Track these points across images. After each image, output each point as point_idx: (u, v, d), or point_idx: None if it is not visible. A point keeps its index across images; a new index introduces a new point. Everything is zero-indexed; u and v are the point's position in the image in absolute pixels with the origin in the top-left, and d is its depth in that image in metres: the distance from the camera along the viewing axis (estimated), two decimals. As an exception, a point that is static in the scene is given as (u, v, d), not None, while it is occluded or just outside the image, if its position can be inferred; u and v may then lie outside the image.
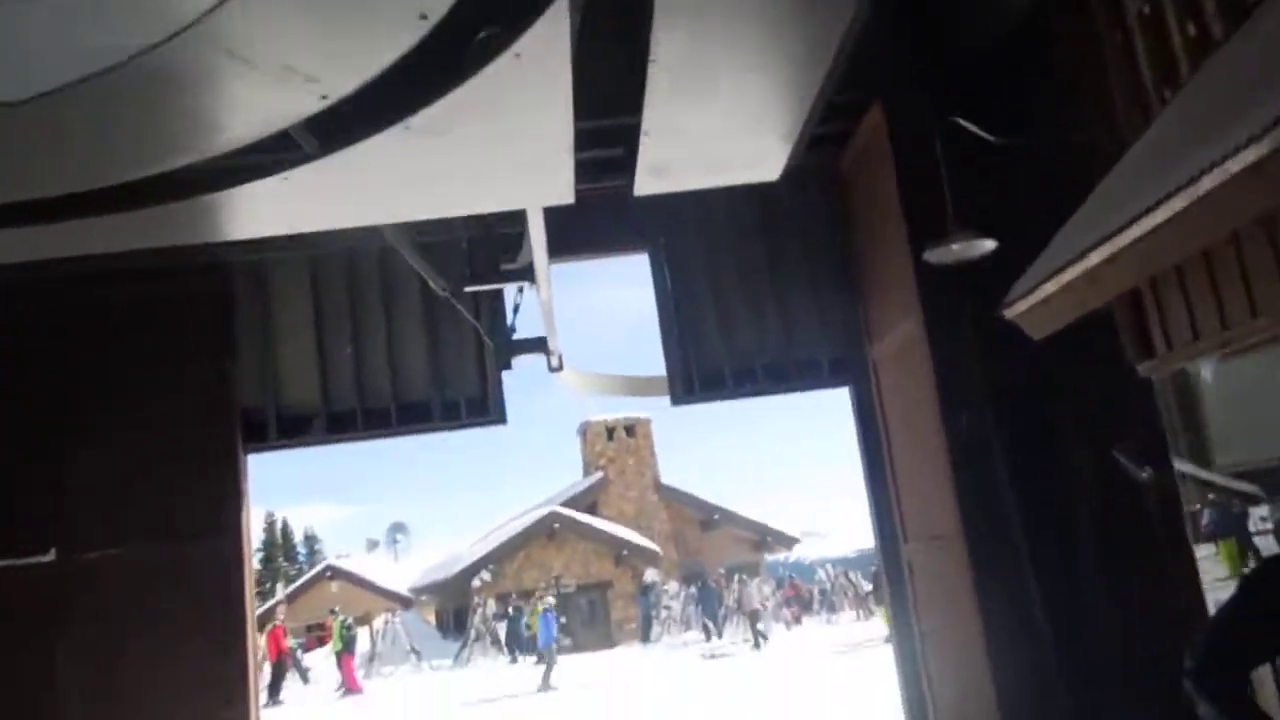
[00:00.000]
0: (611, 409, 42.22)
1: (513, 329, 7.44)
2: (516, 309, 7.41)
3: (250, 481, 7.22)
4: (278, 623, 26.39)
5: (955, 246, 5.75)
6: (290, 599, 44.42)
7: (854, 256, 7.70)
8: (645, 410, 42.81)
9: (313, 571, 58.13)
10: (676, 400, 7.72)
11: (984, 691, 6.03)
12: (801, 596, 36.07)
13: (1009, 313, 4.64)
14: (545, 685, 19.47)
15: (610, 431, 41.78)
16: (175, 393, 7.02)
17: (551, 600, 24.71)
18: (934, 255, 5.88)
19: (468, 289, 6.29)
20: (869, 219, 7.33)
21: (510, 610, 32.35)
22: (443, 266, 6.51)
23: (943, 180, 5.97)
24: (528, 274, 6.07)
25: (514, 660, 30.09)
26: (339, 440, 7.46)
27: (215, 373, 7.09)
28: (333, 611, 29.70)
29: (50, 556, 6.70)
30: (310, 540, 79.59)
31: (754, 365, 7.74)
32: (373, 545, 60.79)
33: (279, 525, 77.85)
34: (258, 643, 8.17)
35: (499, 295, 7.53)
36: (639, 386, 9.26)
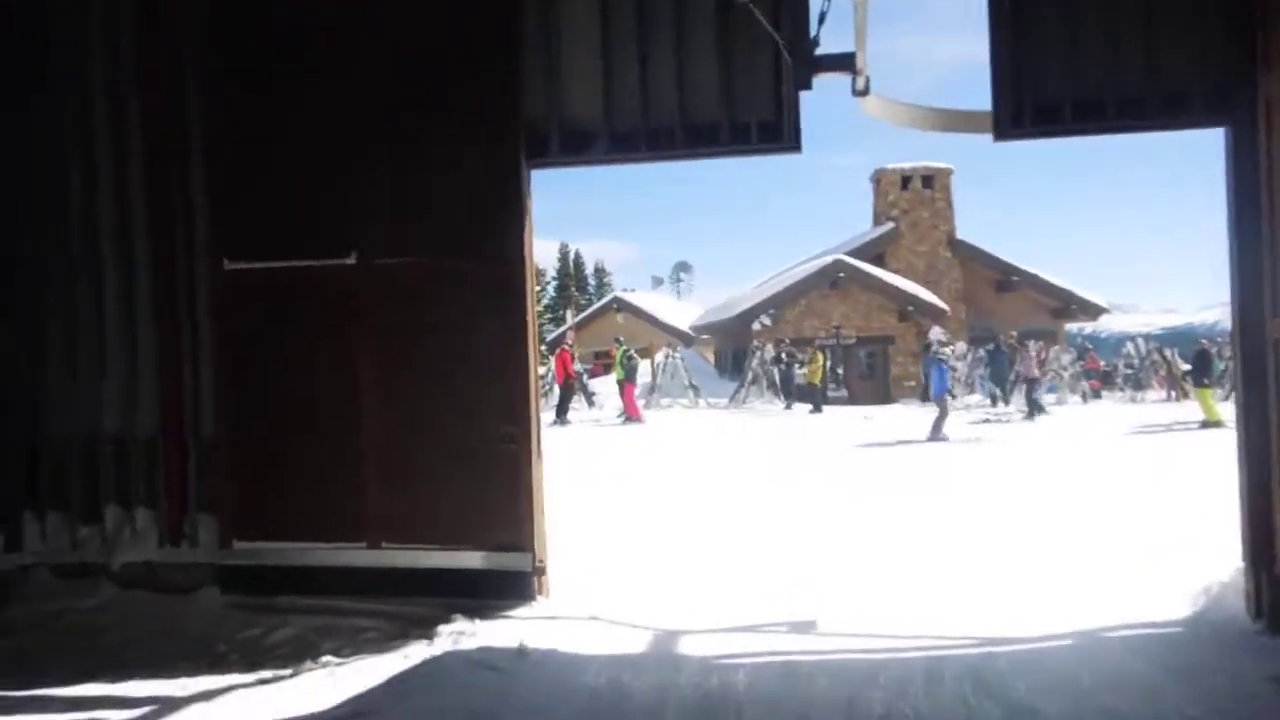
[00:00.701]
0: (909, 156, 39.82)
1: (816, 42, 6.52)
2: (822, 18, 6.46)
3: (535, 204, 7.00)
4: (565, 347, 27.87)
5: None
6: (579, 327, 47.29)
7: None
8: (946, 161, 40.16)
9: (601, 302, 61.58)
10: (1001, 134, 6.57)
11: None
12: (1101, 370, 33.78)
13: None
14: (935, 435, 19.76)
15: (905, 180, 39.52)
16: (461, 101, 6.77)
17: (949, 351, 24.60)
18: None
19: (768, -18, 5.40)
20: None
21: (784, 356, 32.52)
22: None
23: None
24: (841, -34, 5.11)
25: (789, 407, 30.50)
26: (623, 160, 7.01)
27: (500, 80, 6.73)
28: (617, 340, 30.99)
29: (351, 260, 6.91)
30: (599, 273, 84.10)
31: (1103, 96, 6.42)
32: (657, 283, 63.21)
33: (571, 256, 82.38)
34: (540, 363, 8.27)
35: (803, 2, 6.60)
36: (955, 121, 8.05)
